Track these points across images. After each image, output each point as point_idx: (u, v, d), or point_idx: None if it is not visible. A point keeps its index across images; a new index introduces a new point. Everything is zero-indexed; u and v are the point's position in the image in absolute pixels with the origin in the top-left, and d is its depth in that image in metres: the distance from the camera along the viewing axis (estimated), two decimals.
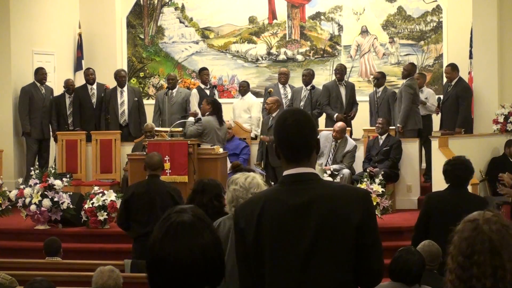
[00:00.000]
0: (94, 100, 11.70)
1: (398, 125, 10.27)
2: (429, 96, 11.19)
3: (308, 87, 11.03)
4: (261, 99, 11.76)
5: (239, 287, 2.82)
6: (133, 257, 6.82)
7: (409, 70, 10.65)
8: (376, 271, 2.71)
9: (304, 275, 2.64)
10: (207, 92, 11.56)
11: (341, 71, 11.24)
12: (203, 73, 11.85)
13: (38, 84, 11.45)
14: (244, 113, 11.42)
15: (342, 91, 11.13)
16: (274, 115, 10.12)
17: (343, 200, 2.68)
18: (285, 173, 2.77)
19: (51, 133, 11.58)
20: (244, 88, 11.63)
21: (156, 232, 1.90)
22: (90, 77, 11.80)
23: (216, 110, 9.56)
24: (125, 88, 11.62)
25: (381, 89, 10.93)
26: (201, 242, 1.88)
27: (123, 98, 11.55)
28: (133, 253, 6.93)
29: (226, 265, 2.04)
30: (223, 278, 1.96)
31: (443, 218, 5.63)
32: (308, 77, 11.12)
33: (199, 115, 11.26)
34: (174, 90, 11.63)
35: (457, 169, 5.77)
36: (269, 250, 2.69)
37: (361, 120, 11.28)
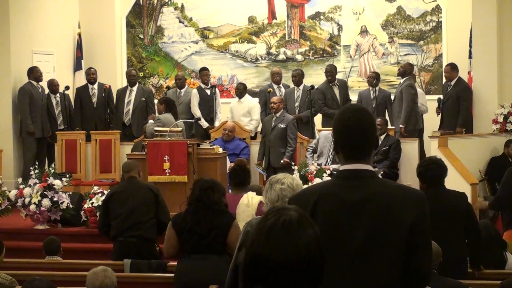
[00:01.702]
0: (94, 100, 11.73)
1: (400, 125, 10.27)
2: (419, 96, 11.19)
3: (301, 87, 11.03)
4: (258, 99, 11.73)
5: None
6: (113, 257, 6.81)
7: (406, 69, 10.69)
8: (424, 273, 2.70)
9: (354, 273, 2.64)
10: (208, 92, 11.55)
11: (331, 72, 11.25)
12: (203, 73, 11.84)
13: (35, 83, 11.45)
14: (244, 117, 11.31)
15: (336, 91, 11.17)
16: (278, 115, 10.12)
17: (399, 200, 2.67)
18: (343, 168, 2.77)
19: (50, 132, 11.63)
20: (240, 91, 11.47)
21: (257, 233, 1.87)
22: (91, 76, 11.83)
23: (170, 107, 9.73)
24: (135, 88, 11.68)
25: (377, 89, 10.98)
26: (305, 239, 1.85)
27: (130, 98, 11.63)
28: (113, 253, 6.91)
29: None
30: (323, 277, 1.92)
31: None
32: (297, 78, 11.10)
33: (199, 115, 11.29)
34: (183, 90, 11.66)
35: (430, 169, 5.82)
36: None
37: None
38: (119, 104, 11.68)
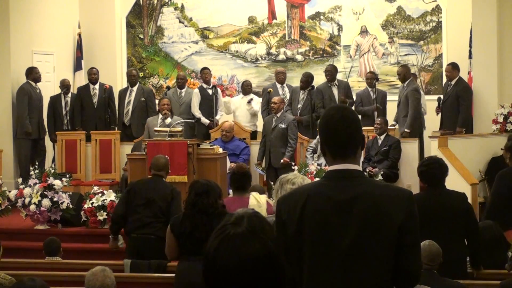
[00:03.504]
0: (95, 100, 11.72)
1: (405, 130, 10.26)
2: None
3: (307, 91, 11.03)
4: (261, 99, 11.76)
5: None
6: (127, 254, 6.81)
7: (404, 73, 10.64)
8: (414, 272, 2.72)
9: (344, 272, 2.65)
10: (209, 92, 11.54)
11: (330, 72, 11.23)
12: (204, 72, 11.83)
13: (33, 84, 11.45)
14: (247, 113, 11.40)
15: (335, 91, 11.14)
16: (278, 115, 10.12)
17: (387, 199, 2.69)
18: (330, 168, 2.79)
19: (47, 132, 11.62)
20: (249, 87, 11.62)
21: (211, 242, 1.97)
22: (93, 76, 11.81)
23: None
24: (135, 88, 11.68)
25: (375, 89, 10.98)
26: (250, 251, 1.92)
27: (130, 98, 11.62)
28: (127, 250, 6.92)
29: None
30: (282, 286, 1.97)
31: (427, 219, 5.65)
32: (305, 84, 11.06)
33: (198, 116, 11.30)
34: (183, 90, 11.65)
35: (432, 168, 5.81)
36: (310, 245, 2.70)
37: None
38: (120, 104, 11.69)
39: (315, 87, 11.11)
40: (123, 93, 11.77)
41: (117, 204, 7.40)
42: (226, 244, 1.92)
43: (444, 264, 5.06)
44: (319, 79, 12.13)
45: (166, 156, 7.39)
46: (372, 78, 11.12)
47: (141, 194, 6.87)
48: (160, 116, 10.33)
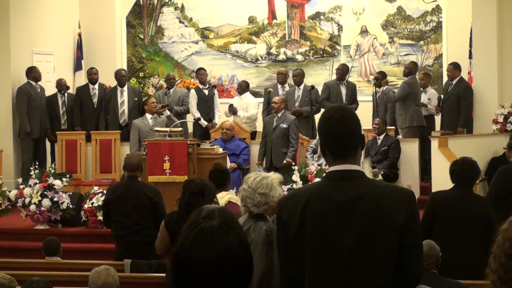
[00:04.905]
0: (95, 100, 11.69)
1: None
2: (432, 97, 11.18)
3: (302, 87, 11.00)
4: (260, 99, 11.74)
5: (280, 279, 2.85)
6: (114, 257, 6.85)
7: (410, 69, 10.68)
8: (416, 272, 2.72)
9: (346, 272, 2.65)
10: (206, 92, 11.52)
11: (341, 71, 11.23)
12: (200, 73, 11.80)
13: (33, 83, 11.44)
14: (243, 113, 11.41)
15: (343, 90, 11.13)
16: (279, 115, 10.12)
17: (389, 199, 2.68)
18: (331, 169, 2.79)
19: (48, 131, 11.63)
20: (242, 88, 11.57)
21: (184, 239, 1.95)
22: (93, 76, 11.78)
23: None
24: (126, 88, 11.60)
25: (381, 89, 10.95)
26: (225, 245, 1.91)
27: (123, 98, 11.52)
28: (115, 253, 6.97)
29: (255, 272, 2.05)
30: (250, 281, 1.96)
31: (449, 218, 5.65)
32: (298, 77, 11.05)
33: (198, 116, 11.30)
34: (171, 90, 11.63)
35: (465, 169, 5.78)
36: (311, 246, 2.70)
37: (362, 120, 11.22)
38: (111, 105, 11.45)
39: (315, 87, 11.11)
40: (112, 93, 11.47)
41: (103, 215, 7.39)
42: (203, 238, 1.90)
43: (465, 266, 5.04)
44: (320, 78, 12.15)
45: (137, 153, 7.36)
46: (381, 79, 11.03)
47: (119, 204, 6.86)
48: (150, 116, 10.37)
